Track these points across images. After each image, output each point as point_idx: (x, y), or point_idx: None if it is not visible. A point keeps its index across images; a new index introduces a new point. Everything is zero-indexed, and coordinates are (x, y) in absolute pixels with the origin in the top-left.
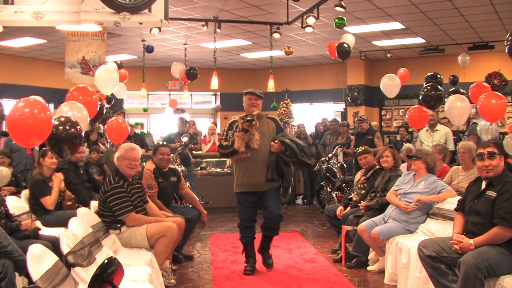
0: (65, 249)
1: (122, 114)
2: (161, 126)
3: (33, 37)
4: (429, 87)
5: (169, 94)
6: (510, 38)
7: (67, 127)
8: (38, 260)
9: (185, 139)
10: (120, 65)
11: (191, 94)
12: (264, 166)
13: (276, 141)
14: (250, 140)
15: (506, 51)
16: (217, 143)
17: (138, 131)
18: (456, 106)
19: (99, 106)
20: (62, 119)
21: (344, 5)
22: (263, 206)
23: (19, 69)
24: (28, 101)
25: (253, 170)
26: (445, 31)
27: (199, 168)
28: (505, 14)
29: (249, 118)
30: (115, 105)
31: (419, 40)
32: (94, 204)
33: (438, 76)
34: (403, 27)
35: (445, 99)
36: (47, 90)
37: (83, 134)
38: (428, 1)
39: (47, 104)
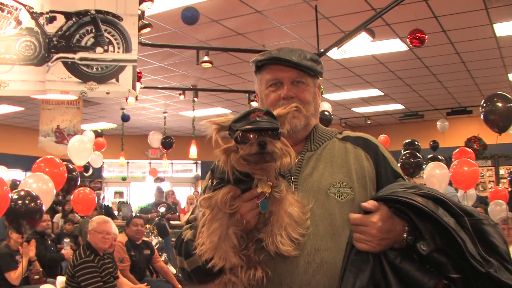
0: None
1: (99, 183)
2: (140, 195)
3: (11, 105)
4: (407, 155)
5: (150, 163)
6: (484, 104)
7: (27, 202)
8: None
9: (162, 209)
10: (100, 133)
11: (172, 163)
12: None
13: (374, 203)
14: (267, 234)
15: (482, 117)
16: None
17: (117, 200)
18: (435, 174)
19: (72, 177)
20: (22, 193)
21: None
22: None
23: None
24: None
25: None
26: (423, 97)
27: None
28: (481, 79)
29: (249, 127)
30: (94, 174)
31: (398, 106)
32: (61, 279)
33: (416, 143)
34: (382, 94)
35: (424, 166)
36: (25, 158)
37: (43, 208)
38: (405, 68)
39: (24, 173)
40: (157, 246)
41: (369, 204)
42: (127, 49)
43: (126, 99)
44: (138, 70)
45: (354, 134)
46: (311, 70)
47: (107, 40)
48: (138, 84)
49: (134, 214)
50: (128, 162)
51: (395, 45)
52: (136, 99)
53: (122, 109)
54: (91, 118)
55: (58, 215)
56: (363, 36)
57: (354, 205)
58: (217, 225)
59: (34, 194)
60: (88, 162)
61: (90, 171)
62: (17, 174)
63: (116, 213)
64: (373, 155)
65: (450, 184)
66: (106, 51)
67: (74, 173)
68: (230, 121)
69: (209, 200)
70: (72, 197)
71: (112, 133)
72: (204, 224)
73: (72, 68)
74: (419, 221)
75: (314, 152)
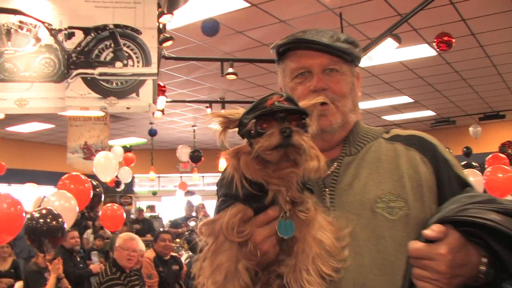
0: None
1: (129, 198)
2: (171, 209)
3: (41, 122)
4: None
5: (181, 176)
6: None
7: (48, 220)
8: None
9: (192, 223)
10: (129, 149)
11: (203, 176)
12: None
13: (440, 229)
14: (290, 269)
15: None
16: None
17: (148, 214)
18: None
19: (96, 193)
20: (44, 211)
21: None
22: None
23: (28, 154)
24: None
25: None
26: (454, 102)
27: None
28: None
29: (268, 110)
30: (125, 189)
31: (429, 113)
32: None
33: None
34: (412, 100)
35: None
36: (56, 175)
37: (65, 226)
38: (435, 74)
39: (56, 189)
40: (187, 261)
41: (434, 231)
42: (147, 62)
43: (153, 113)
44: (162, 84)
45: (406, 133)
46: (347, 54)
47: (126, 54)
48: (163, 98)
49: (161, 229)
50: (159, 177)
51: (423, 51)
52: (163, 113)
53: (151, 123)
54: (121, 134)
55: (89, 231)
56: (389, 42)
57: (409, 223)
58: (222, 259)
59: (55, 212)
60: (117, 177)
61: (122, 186)
62: (49, 190)
63: None
64: (431, 158)
65: (484, 192)
66: (125, 65)
67: (97, 189)
68: (240, 114)
69: (212, 226)
70: (100, 213)
71: (142, 147)
72: (206, 258)
73: (92, 83)
74: (503, 250)
75: (355, 157)
